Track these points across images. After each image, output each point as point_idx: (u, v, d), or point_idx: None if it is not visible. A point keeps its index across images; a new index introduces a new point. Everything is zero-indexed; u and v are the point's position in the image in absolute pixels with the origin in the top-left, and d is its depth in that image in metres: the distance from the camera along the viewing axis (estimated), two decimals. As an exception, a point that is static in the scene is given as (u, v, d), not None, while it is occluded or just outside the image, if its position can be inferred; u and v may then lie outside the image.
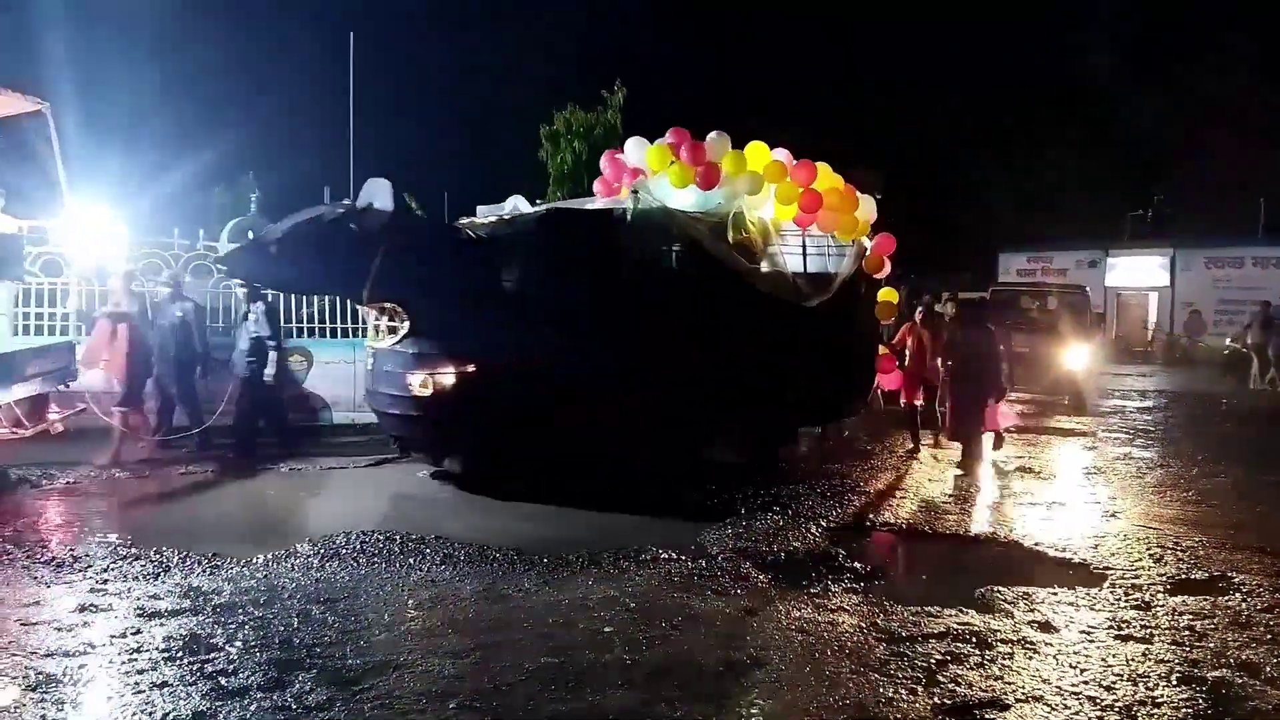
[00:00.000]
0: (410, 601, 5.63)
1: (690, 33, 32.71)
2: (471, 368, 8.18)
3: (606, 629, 5.19)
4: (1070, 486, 9.54)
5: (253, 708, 4.19)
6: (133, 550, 6.50)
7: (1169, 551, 7.00)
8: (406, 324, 8.39)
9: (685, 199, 9.22)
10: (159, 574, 6.03)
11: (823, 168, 10.02)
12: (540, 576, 6.12)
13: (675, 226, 9.01)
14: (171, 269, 11.18)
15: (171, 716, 4.09)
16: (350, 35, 17.66)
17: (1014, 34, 35.15)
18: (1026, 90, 35.15)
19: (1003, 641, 5.14)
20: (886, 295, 11.28)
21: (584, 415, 8.35)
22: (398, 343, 8.43)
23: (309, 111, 23.02)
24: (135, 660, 4.66)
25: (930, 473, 9.88)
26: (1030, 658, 4.94)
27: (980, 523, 7.84)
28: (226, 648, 4.83)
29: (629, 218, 8.83)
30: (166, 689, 4.34)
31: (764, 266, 9.51)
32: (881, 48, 34.72)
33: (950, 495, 8.89)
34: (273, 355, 9.92)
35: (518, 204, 9.91)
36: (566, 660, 4.76)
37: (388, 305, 8.52)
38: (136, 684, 4.38)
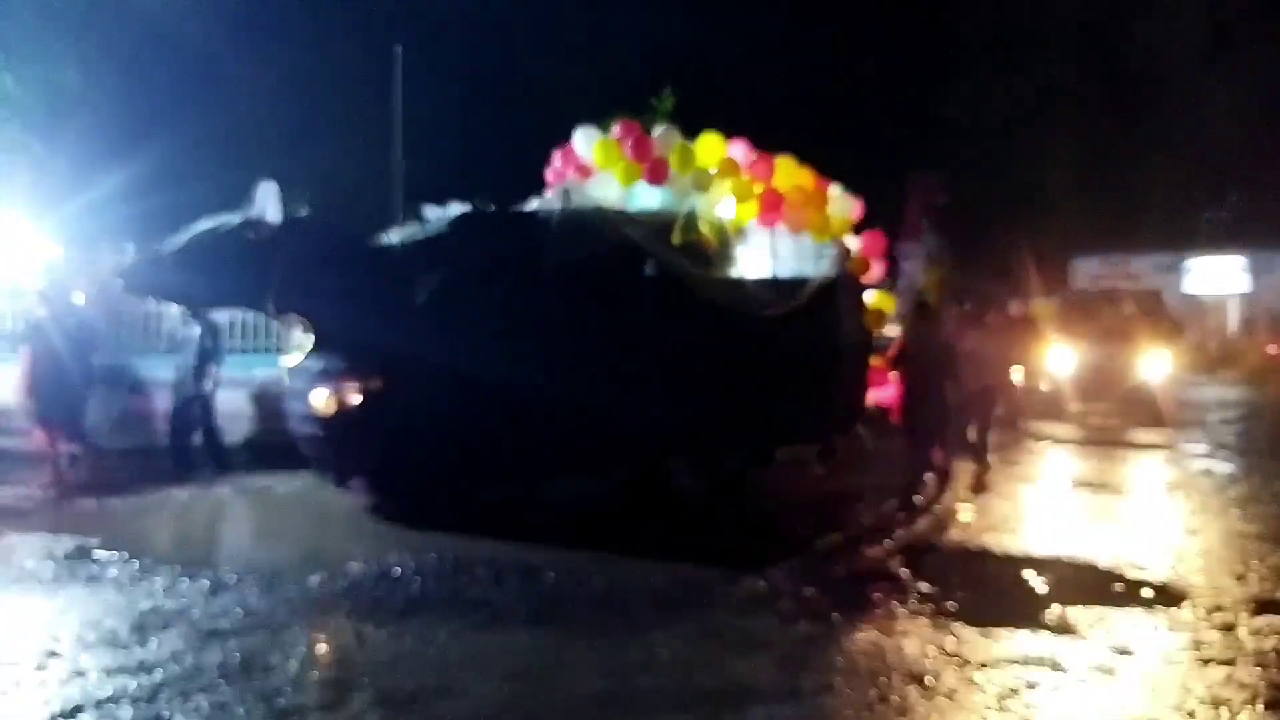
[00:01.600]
0: (463, 623, 5.67)
1: (742, 35, 32.55)
2: (378, 385, 7.78)
3: (663, 653, 5.18)
4: (1147, 502, 9.37)
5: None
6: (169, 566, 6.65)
7: (1252, 570, 6.81)
8: (312, 338, 8.11)
9: (639, 197, 8.72)
10: (216, 593, 6.16)
11: (784, 162, 9.35)
12: (595, 599, 6.13)
13: (610, 229, 8.31)
14: (52, 283, 10.86)
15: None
16: (398, 49, 17.97)
17: (1080, 30, 34.61)
18: (1097, 89, 34.58)
19: (1078, 665, 5.04)
20: (878, 301, 10.47)
21: (510, 437, 7.89)
22: (304, 358, 8.18)
23: (358, 124, 23.35)
24: (195, 679, 4.75)
25: (997, 490, 9.74)
26: (1107, 682, 4.84)
27: (1052, 541, 7.70)
28: (283, 668, 4.92)
29: (555, 220, 8.29)
30: (224, 709, 4.42)
31: (718, 272, 8.75)
32: (945, 47, 34.35)
33: (1020, 513, 8.76)
34: (213, 372, 10.10)
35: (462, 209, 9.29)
36: (622, 685, 4.76)
37: (297, 319, 8.27)
38: (196, 705, 4.48)
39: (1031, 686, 4.77)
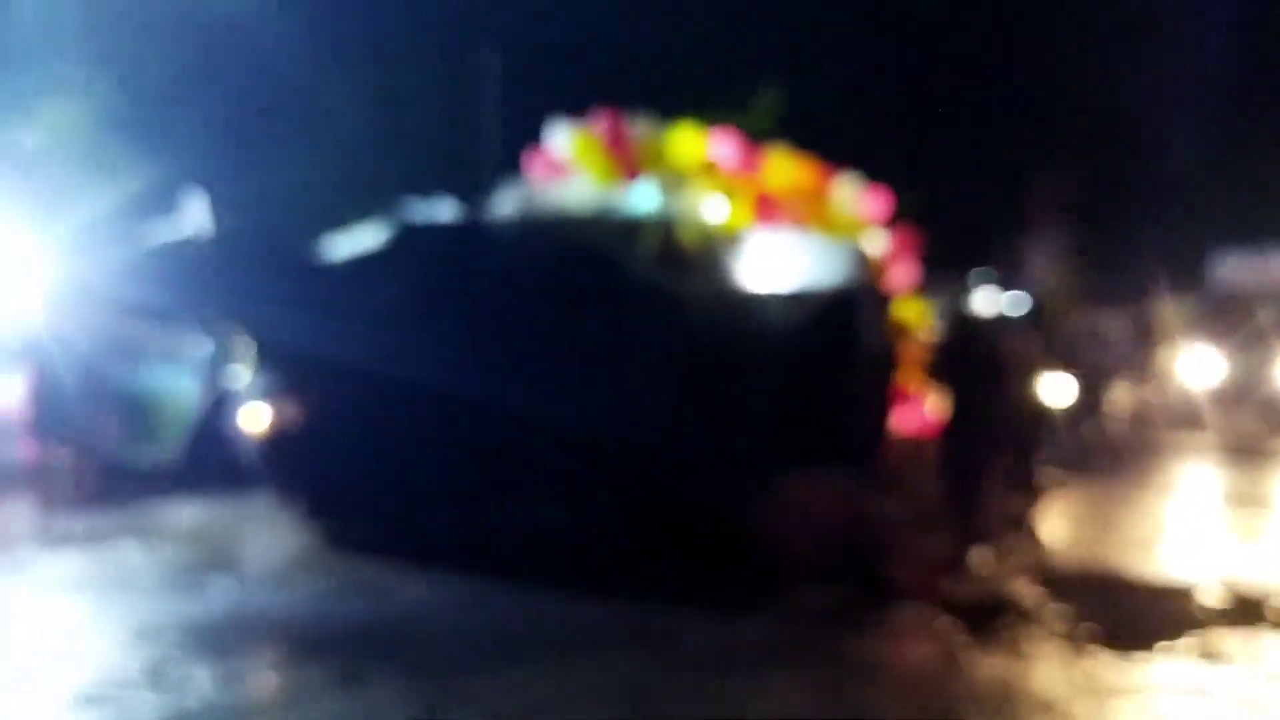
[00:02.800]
0: (556, 648, 5.64)
1: (839, 11, 31.80)
2: (317, 404, 7.74)
3: (780, 680, 5.10)
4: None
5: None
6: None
7: None
8: (255, 354, 8.13)
9: (625, 198, 8.24)
10: (311, 605, 6.27)
11: (778, 159, 8.66)
12: (701, 616, 6.06)
13: (569, 237, 7.90)
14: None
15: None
16: (486, 54, 18.12)
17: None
18: (1238, 55, 33.15)
19: (1225, 694, 4.82)
20: (907, 309, 9.39)
21: (458, 460, 7.64)
22: (249, 374, 8.22)
23: (449, 130, 23.49)
24: (298, 691, 4.85)
25: (1131, 506, 9.43)
26: (1258, 713, 4.64)
27: (1194, 559, 7.42)
28: (380, 684, 4.98)
29: (505, 230, 8.00)
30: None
31: (701, 281, 8.02)
32: (1067, 24, 33.31)
33: (1158, 529, 8.47)
34: (220, 384, 10.13)
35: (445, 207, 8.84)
36: (737, 712, 4.69)
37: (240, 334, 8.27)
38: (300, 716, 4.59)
39: (1175, 717, 4.59)
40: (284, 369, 7.95)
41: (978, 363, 8.46)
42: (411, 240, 8.11)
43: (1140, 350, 14.04)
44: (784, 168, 8.64)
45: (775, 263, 8.19)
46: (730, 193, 8.30)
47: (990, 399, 8.37)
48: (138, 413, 11.00)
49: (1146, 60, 32.95)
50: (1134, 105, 32.95)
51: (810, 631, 5.89)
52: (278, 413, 7.87)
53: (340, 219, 8.89)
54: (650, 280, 7.80)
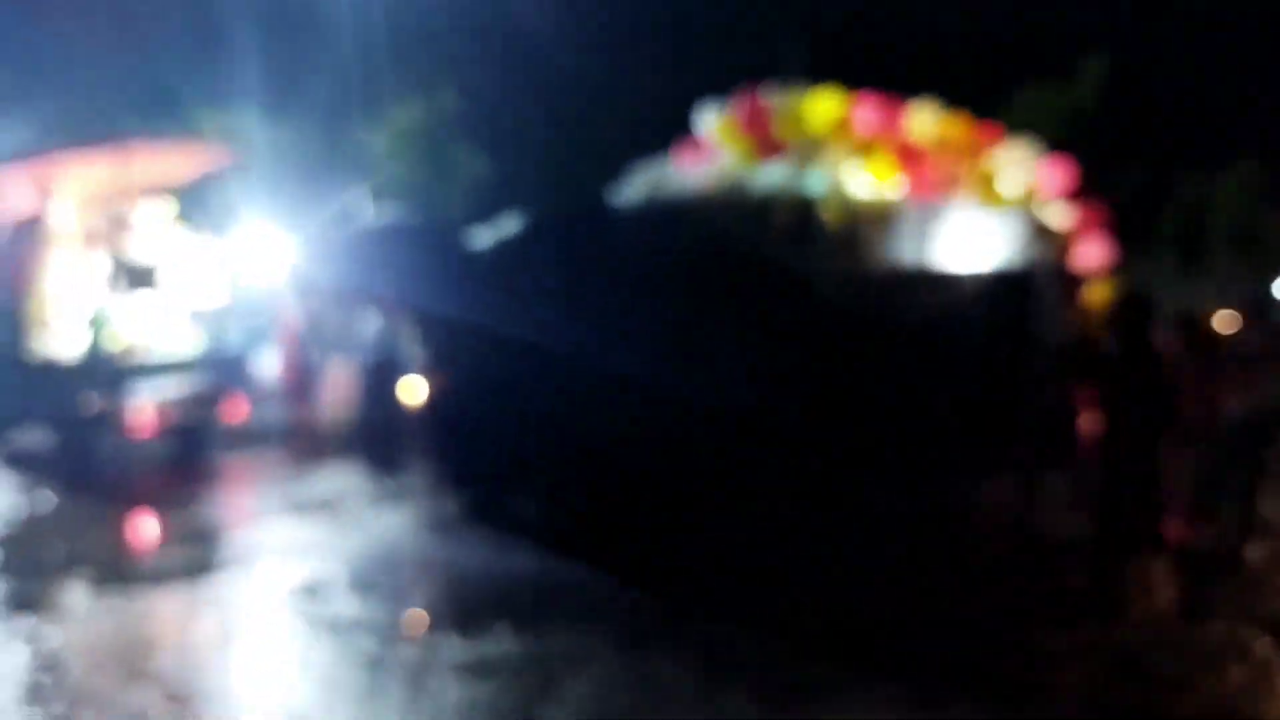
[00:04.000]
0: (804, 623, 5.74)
1: None
2: (463, 380, 8.29)
3: (1079, 692, 4.96)
4: None
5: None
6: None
7: None
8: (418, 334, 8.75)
9: (767, 176, 7.89)
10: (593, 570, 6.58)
11: (920, 111, 7.96)
12: (948, 617, 5.88)
13: (695, 220, 7.74)
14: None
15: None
16: (795, 47, 18.03)
17: None
18: None
19: None
20: (1102, 295, 8.09)
21: (588, 445, 7.56)
22: (409, 353, 8.92)
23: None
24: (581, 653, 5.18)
25: None
26: None
27: None
28: (658, 651, 5.23)
29: (630, 216, 8.05)
30: (610, 684, 4.80)
31: (841, 262, 7.42)
32: None
33: None
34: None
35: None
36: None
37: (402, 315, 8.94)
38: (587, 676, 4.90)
39: None
40: (439, 346, 8.70)
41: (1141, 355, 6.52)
42: (544, 227, 8.55)
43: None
44: (931, 125, 8.11)
45: (935, 238, 7.61)
46: (874, 157, 7.87)
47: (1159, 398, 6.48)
48: (383, 382, 12.15)
49: None
50: None
51: (1104, 646, 5.67)
52: (433, 386, 8.67)
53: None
54: (781, 262, 7.46)
